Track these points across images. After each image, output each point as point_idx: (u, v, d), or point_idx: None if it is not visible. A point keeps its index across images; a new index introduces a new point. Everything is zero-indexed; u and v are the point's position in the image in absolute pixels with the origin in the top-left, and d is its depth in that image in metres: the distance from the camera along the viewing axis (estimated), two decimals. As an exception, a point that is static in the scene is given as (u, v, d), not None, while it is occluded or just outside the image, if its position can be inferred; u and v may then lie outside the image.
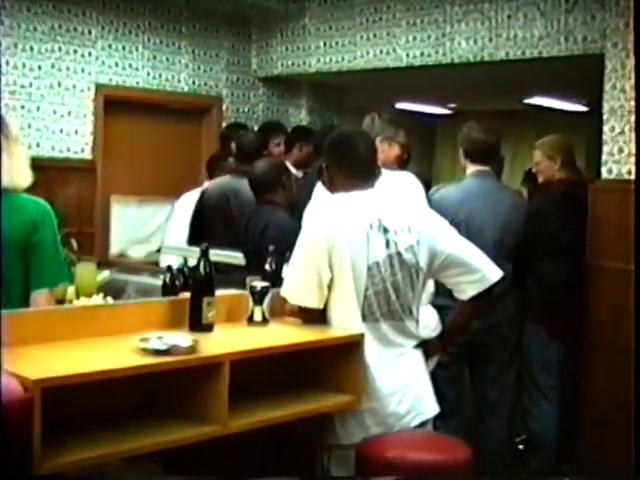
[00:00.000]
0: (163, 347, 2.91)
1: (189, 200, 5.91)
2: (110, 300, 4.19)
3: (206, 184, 5.96)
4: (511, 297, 4.83)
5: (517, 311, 5.07)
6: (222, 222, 5.38)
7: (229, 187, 5.49)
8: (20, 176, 3.49)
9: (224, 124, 7.62)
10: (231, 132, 6.68)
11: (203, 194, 5.71)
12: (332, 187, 3.63)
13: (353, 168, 3.59)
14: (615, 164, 5.22)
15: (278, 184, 4.84)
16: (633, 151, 5.04)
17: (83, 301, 4.09)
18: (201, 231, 5.52)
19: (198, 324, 3.28)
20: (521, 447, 5.45)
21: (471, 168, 4.94)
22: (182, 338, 3.01)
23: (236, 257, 4.55)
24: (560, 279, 5.08)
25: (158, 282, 4.22)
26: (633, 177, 5.02)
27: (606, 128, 5.29)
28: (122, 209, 7.17)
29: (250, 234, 4.73)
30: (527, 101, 9.35)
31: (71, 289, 4.14)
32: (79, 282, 4.26)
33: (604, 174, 5.28)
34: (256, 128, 7.61)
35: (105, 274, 4.68)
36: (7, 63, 6.45)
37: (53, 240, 3.59)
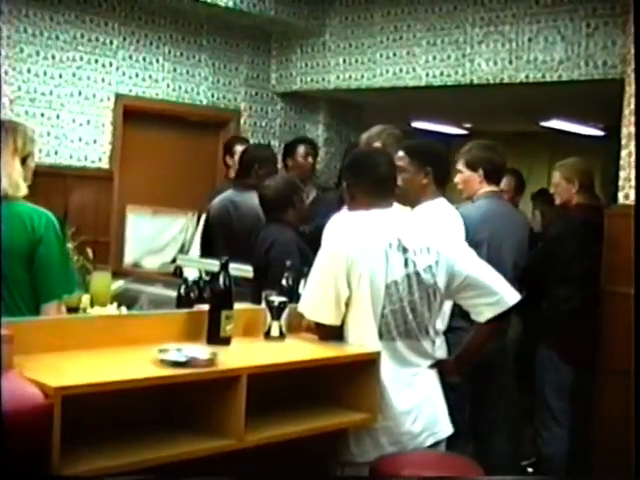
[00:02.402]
0: (182, 359, 2.92)
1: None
2: (124, 310, 4.20)
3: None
4: (518, 319, 4.84)
5: (525, 332, 5.07)
6: (224, 235, 5.39)
7: (229, 200, 5.50)
8: (14, 186, 3.53)
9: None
10: (226, 147, 6.73)
11: (209, 208, 5.73)
12: (352, 205, 3.64)
13: (373, 186, 3.60)
14: (632, 189, 5.21)
15: (288, 204, 4.83)
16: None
17: (97, 310, 4.10)
18: (209, 245, 5.54)
19: (216, 337, 3.29)
20: (530, 470, 5.44)
21: (485, 188, 4.85)
22: (201, 350, 3.02)
23: (243, 270, 4.55)
24: (575, 304, 5.08)
25: (172, 293, 4.23)
26: (633, 202, 5.02)
27: (624, 153, 5.27)
28: (137, 219, 7.19)
29: (257, 251, 4.74)
30: (544, 124, 9.36)
31: (85, 298, 4.16)
32: (94, 291, 4.27)
33: (620, 199, 5.26)
34: (273, 142, 7.65)
35: (119, 283, 4.69)
36: (28, 71, 6.49)
37: (59, 251, 3.61)
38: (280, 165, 6.49)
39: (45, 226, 3.55)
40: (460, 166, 4.91)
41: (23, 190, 3.57)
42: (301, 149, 6.59)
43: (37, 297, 3.57)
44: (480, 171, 4.84)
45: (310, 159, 6.58)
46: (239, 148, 6.21)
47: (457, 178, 4.95)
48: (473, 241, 4.41)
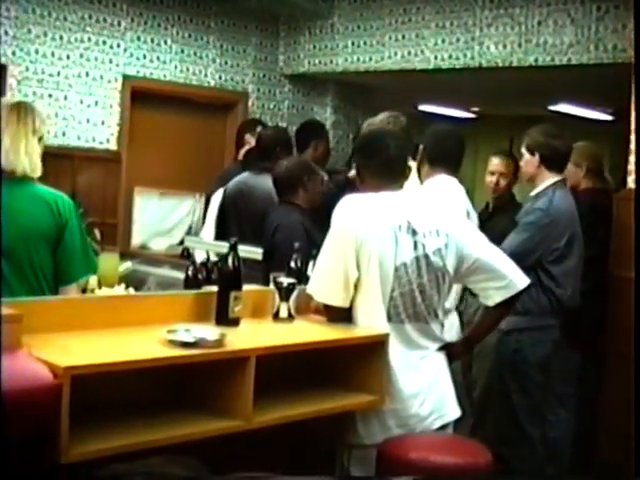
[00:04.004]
0: (191, 340, 2.92)
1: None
2: (132, 291, 4.21)
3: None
4: None
5: None
6: (238, 218, 5.39)
7: (245, 183, 5.50)
8: (34, 165, 3.53)
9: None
10: (246, 127, 6.67)
11: (226, 190, 5.72)
12: (362, 186, 3.63)
13: (382, 169, 3.59)
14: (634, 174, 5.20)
15: (298, 185, 4.81)
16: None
17: (105, 291, 4.11)
18: (224, 227, 5.53)
19: (225, 318, 3.29)
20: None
21: (551, 178, 4.83)
22: (209, 331, 3.03)
23: (253, 252, 4.55)
24: (582, 288, 5.06)
25: (179, 275, 4.23)
26: (633, 186, 5.02)
27: (633, 137, 5.26)
28: (145, 201, 7.19)
29: (265, 232, 4.75)
30: (552, 108, 9.32)
31: (93, 279, 4.16)
32: (101, 272, 4.27)
33: (629, 183, 5.24)
34: (281, 124, 7.63)
35: (127, 265, 4.69)
36: (36, 52, 6.49)
37: (80, 236, 3.63)
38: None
39: (69, 210, 3.56)
40: (522, 149, 4.96)
41: (39, 171, 3.57)
42: (330, 135, 6.56)
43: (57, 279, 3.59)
44: (537, 156, 4.85)
45: (329, 145, 6.55)
46: (259, 129, 6.21)
47: (521, 161, 5.01)
48: (572, 235, 4.71)
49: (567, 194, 4.91)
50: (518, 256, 4.60)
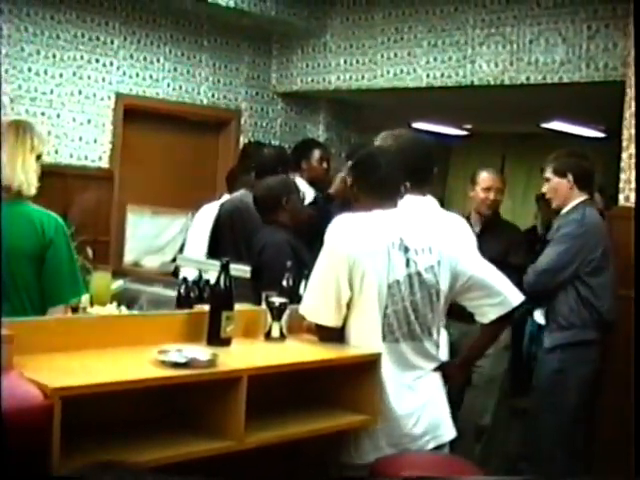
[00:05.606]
0: (182, 360, 2.91)
1: (208, 212, 5.92)
2: (124, 309, 4.19)
3: (225, 197, 5.96)
4: None
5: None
6: (231, 235, 5.39)
7: (241, 201, 5.49)
8: (30, 182, 3.52)
9: (242, 138, 7.66)
10: (252, 149, 6.65)
11: (221, 207, 5.72)
12: (356, 205, 3.62)
13: (376, 187, 3.58)
14: (632, 191, 5.21)
15: (277, 205, 4.79)
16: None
17: (97, 309, 4.09)
18: (218, 243, 5.53)
19: (216, 338, 3.28)
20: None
21: (580, 197, 4.89)
22: (201, 351, 3.02)
23: (241, 270, 4.54)
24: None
25: (171, 293, 4.22)
26: (633, 205, 5.03)
27: (624, 155, 5.27)
28: (137, 219, 7.18)
29: (253, 251, 4.73)
30: (544, 125, 9.35)
31: (85, 297, 4.14)
32: (94, 290, 4.26)
33: (621, 201, 5.26)
34: (274, 142, 7.65)
35: (119, 283, 4.68)
36: (29, 69, 6.50)
37: (68, 255, 3.61)
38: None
39: (55, 230, 3.55)
40: (548, 174, 4.95)
41: (34, 190, 3.57)
42: (316, 154, 6.51)
43: (44, 299, 3.57)
44: (569, 177, 4.88)
45: (324, 164, 6.50)
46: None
47: (545, 187, 5.00)
48: (604, 251, 4.73)
49: (594, 212, 4.95)
50: (556, 269, 4.64)
